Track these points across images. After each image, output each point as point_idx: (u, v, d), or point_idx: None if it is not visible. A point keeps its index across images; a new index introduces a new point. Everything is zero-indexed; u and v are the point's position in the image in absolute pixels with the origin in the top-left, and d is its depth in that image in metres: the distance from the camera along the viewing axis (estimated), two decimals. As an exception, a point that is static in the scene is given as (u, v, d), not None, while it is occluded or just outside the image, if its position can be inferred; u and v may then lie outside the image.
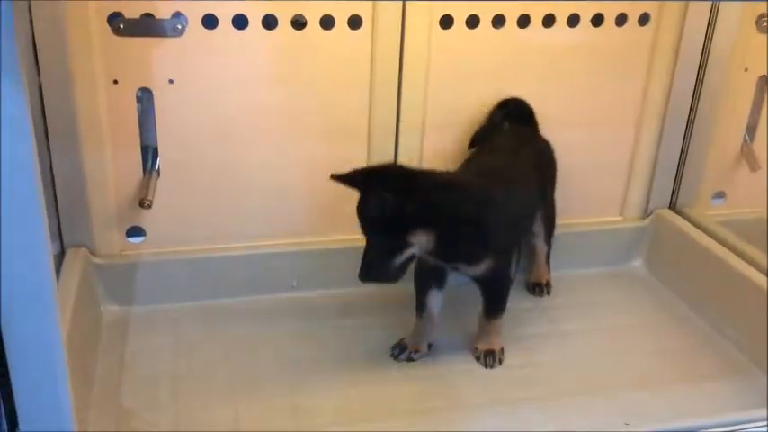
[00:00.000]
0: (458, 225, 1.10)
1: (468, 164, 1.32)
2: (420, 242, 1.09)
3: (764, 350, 1.22)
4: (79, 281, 1.22)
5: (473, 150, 1.38)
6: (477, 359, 1.24)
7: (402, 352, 1.25)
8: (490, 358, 1.23)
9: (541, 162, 1.37)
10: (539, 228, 1.40)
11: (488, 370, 1.23)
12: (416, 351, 1.25)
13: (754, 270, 1.31)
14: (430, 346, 1.27)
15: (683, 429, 1.01)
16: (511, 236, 1.26)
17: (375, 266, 1.10)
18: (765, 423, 1.03)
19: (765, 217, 1.57)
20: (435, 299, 1.24)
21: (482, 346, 1.24)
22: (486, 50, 1.37)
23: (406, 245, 1.09)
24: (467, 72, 1.38)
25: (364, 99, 1.35)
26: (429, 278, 1.23)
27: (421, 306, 1.25)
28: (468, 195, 1.13)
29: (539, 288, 1.45)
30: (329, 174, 1.08)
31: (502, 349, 1.25)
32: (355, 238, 1.43)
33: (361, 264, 1.10)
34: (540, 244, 1.43)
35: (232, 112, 1.31)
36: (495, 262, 1.17)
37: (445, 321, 1.27)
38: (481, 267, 1.17)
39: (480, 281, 1.20)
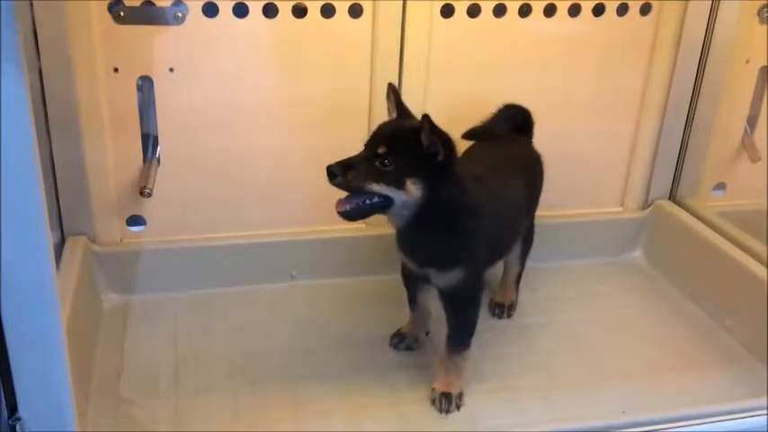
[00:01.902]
0: (445, 214, 1.04)
1: (466, 161, 1.23)
2: (406, 195, 1.00)
3: (763, 340, 1.22)
4: (79, 269, 1.22)
5: (470, 148, 1.29)
6: (433, 402, 1.13)
7: (401, 341, 1.25)
8: (446, 402, 1.12)
9: (533, 179, 1.30)
10: (516, 245, 1.32)
11: (486, 361, 1.23)
12: (415, 340, 1.25)
13: (754, 261, 1.31)
14: (427, 333, 1.27)
15: (681, 418, 1.02)
16: (489, 250, 1.17)
17: (354, 173, 1.00)
18: (763, 412, 1.03)
19: (765, 208, 1.57)
20: (425, 293, 1.21)
21: (439, 387, 1.14)
22: (487, 39, 1.37)
23: (396, 183, 1.00)
24: (467, 61, 1.38)
25: (365, 88, 1.35)
26: (414, 276, 1.18)
27: (412, 301, 1.24)
28: (470, 190, 1.08)
29: (500, 309, 1.36)
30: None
31: (461, 394, 1.13)
32: (355, 227, 1.44)
33: (342, 162, 1.01)
34: (513, 262, 1.35)
35: (232, 101, 1.31)
36: (465, 275, 1.09)
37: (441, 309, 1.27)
38: (451, 277, 1.09)
39: (448, 297, 1.13)
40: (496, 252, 1.24)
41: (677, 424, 1.02)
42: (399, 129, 1.05)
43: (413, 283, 1.21)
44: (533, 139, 1.34)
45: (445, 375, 1.14)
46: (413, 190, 1.01)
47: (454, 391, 1.13)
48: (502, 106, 1.29)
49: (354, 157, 1.03)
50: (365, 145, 1.04)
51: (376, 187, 1.01)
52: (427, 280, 1.15)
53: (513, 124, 1.30)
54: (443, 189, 1.02)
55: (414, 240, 1.10)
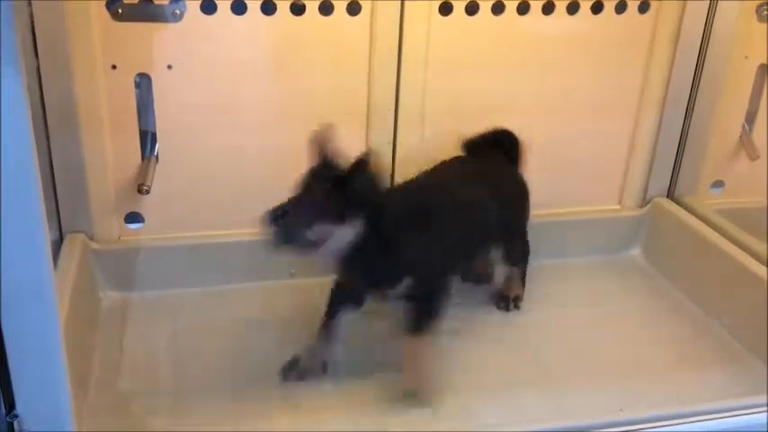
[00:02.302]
0: (383, 242, 1.05)
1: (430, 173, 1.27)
2: (342, 231, 1.02)
3: (760, 338, 1.23)
4: (78, 267, 1.22)
5: (449, 161, 1.31)
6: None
7: (293, 369, 1.17)
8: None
9: (512, 203, 1.30)
10: (510, 254, 1.34)
11: (485, 358, 1.23)
12: (310, 372, 1.17)
13: (752, 259, 1.31)
14: (325, 369, 1.18)
15: (679, 415, 1.02)
16: (444, 259, 1.16)
17: (291, 217, 1.01)
18: (761, 410, 1.03)
19: (763, 206, 1.57)
20: (344, 322, 1.19)
21: (405, 385, 1.12)
22: (486, 37, 1.37)
23: (334, 220, 1.01)
24: (465, 59, 1.38)
25: (363, 85, 1.35)
26: (349, 296, 1.18)
27: (329, 323, 1.19)
28: (407, 213, 1.09)
29: (505, 302, 1.36)
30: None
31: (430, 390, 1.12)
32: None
33: (278, 207, 1.02)
34: (513, 268, 1.36)
35: (230, 98, 1.31)
36: (423, 279, 1.11)
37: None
38: (407, 284, 1.10)
39: (409, 298, 1.13)
40: (454, 262, 1.23)
41: (675, 421, 1.02)
42: (330, 171, 1.05)
43: (342, 306, 1.19)
44: (520, 168, 1.35)
45: (407, 372, 1.13)
46: (348, 227, 1.02)
47: (422, 388, 1.12)
48: (492, 129, 1.32)
49: (290, 200, 1.04)
50: (298, 187, 1.06)
51: (314, 228, 1.01)
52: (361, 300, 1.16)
53: (500, 147, 1.33)
54: (378, 221, 1.04)
55: (357, 265, 1.09)
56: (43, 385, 0.79)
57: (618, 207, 1.59)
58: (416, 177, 1.25)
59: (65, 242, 1.29)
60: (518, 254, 1.36)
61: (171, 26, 1.24)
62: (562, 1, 1.37)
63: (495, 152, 1.33)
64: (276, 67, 1.32)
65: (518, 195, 1.33)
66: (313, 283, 1.41)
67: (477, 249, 1.31)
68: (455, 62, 1.37)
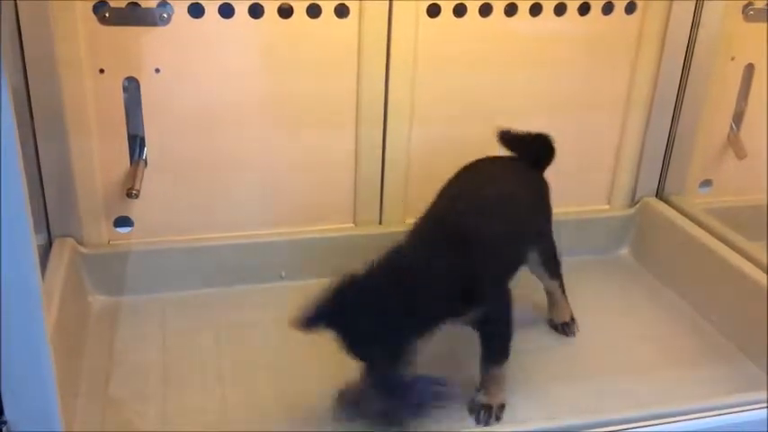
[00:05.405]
0: None
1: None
2: None
3: (749, 335, 1.23)
4: (66, 271, 1.22)
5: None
6: (471, 411, 1.11)
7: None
8: (485, 414, 1.10)
9: (536, 199, 1.26)
10: (548, 261, 1.27)
11: (473, 360, 1.22)
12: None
13: (740, 257, 1.32)
14: None
15: (668, 414, 1.02)
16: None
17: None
18: (759, 407, 1.04)
19: (752, 204, 1.59)
20: None
21: (481, 399, 1.12)
22: (474, 39, 1.37)
23: None
24: (454, 61, 1.38)
25: (352, 88, 1.35)
26: None
27: None
28: None
29: (565, 326, 1.32)
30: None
31: (502, 406, 1.11)
32: (343, 227, 1.45)
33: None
34: (553, 283, 1.30)
35: (219, 101, 1.31)
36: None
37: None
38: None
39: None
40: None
41: (664, 420, 1.02)
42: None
43: None
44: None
45: (488, 387, 1.12)
46: None
47: (495, 404, 1.11)
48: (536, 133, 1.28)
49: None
50: None
51: None
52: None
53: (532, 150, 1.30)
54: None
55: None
56: (31, 390, 0.78)
57: (607, 207, 1.60)
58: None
59: (53, 246, 1.28)
60: (554, 260, 1.29)
61: (158, 30, 1.24)
62: (549, 2, 1.37)
63: (525, 153, 1.29)
64: (264, 70, 1.32)
65: (544, 196, 1.28)
66: (303, 285, 1.42)
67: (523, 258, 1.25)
68: (444, 64, 1.37)
